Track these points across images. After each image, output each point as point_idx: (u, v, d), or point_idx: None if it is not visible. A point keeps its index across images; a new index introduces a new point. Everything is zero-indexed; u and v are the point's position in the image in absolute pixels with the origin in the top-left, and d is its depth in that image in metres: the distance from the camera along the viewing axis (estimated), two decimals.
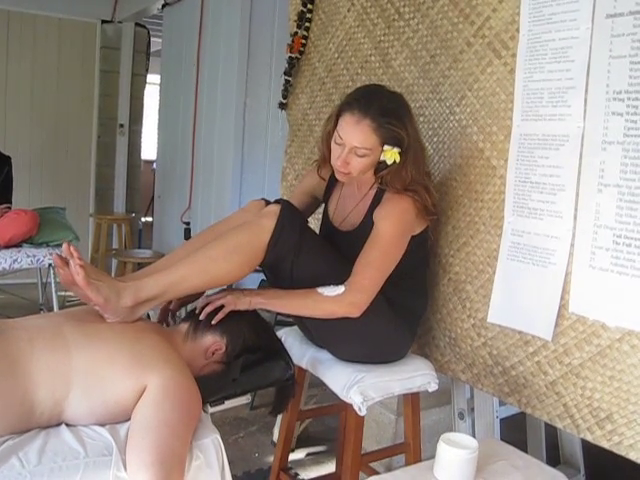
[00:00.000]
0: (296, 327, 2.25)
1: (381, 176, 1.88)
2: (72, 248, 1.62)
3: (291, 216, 1.81)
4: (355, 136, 1.79)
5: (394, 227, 1.83)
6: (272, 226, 1.75)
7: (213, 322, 1.70)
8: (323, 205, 2.14)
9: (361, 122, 1.77)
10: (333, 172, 2.02)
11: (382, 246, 1.81)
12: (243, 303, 1.75)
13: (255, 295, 1.79)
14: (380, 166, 1.86)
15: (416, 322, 2.01)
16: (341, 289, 1.75)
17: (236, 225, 1.83)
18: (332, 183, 2.09)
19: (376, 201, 1.90)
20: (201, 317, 1.72)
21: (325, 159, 2.00)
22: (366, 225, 1.88)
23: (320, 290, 1.76)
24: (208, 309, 1.72)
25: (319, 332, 1.93)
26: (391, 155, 1.81)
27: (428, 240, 1.98)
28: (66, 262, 1.62)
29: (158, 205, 5.91)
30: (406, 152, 1.82)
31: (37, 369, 1.40)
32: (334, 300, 1.75)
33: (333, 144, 1.86)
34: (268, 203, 1.90)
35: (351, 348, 1.91)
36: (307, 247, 1.80)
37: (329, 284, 1.77)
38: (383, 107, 1.79)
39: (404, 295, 1.91)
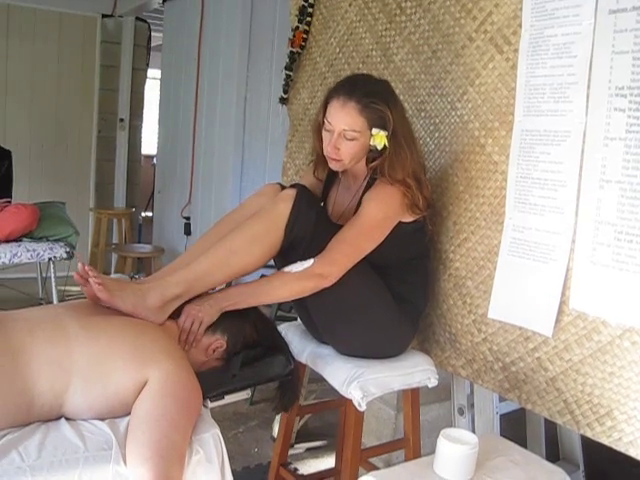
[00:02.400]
0: (296, 322, 2.25)
1: (374, 166, 1.88)
2: (87, 268, 1.64)
3: (307, 200, 1.82)
4: (342, 118, 1.81)
5: (377, 208, 1.83)
6: (288, 210, 1.76)
7: (193, 345, 1.70)
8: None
9: (347, 104, 1.80)
10: (329, 171, 2.05)
11: (361, 225, 1.81)
12: (215, 313, 1.73)
13: (222, 300, 1.75)
14: (371, 154, 1.87)
15: (418, 317, 2.01)
16: (310, 262, 1.74)
17: (253, 212, 1.83)
18: (330, 182, 2.10)
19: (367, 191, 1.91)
20: (187, 340, 1.71)
21: (319, 157, 2.01)
22: None
23: (287, 269, 1.75)
24: (189, 337, 1.70)
25: (324, 324, 1.92)
26: (380, 139, 1.82)
27: (426, 231, 1.96)
28: (86, 279, 1.63)
29: (158, 200, 5.91)
30: (394, 136, 1.82)
31: (37, 361, 1.39)
32: (302, 275, 1.74)
33: (324, 132, 1.88)
34: (283, 188, 1.90)
35: (355, 342, 1.91)
36: (321, 232, 1.79)
37: (353, 267, 1.77)
38: (367, 89, 1.83)
39: (408, 290, 1.91)
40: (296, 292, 1.78)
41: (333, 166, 1.92)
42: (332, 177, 2.10)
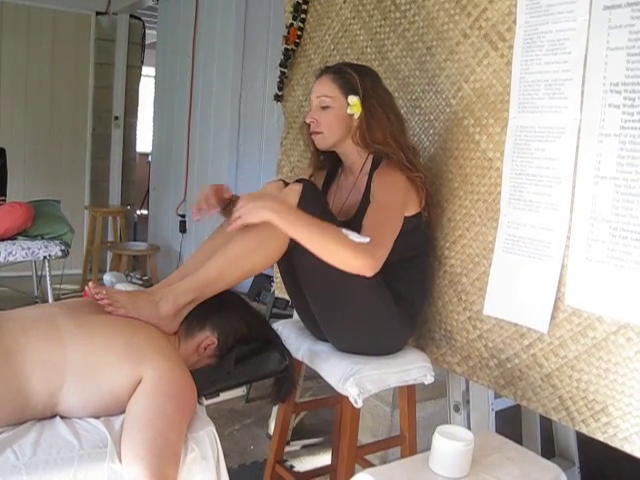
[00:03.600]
0: (292, 320, 2.25)
1: (356, 134, 1.92)
2: (94, 290, 1.65)
3: (313, 194, 1.82)
4: (316, 89, 1.96)
5: (392, 196, 1.85)
6: (295, 205, 1.74)
7: (229, 229, 1.72)
8: None
9: (322, 77, 1.97)
10: (327, 173, 2.11)
11: (386, 211, 1.81)
12: (261, 216, 1.66)
13: (283, 206, 1.70)
14: (355, 132, 1.92)
15: (416, 315, 2.01)
16: (367, 239, 1.68)
17: None
18: (329, 181, 2.12)
19: (369, 187, 1.91)
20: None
21: (313, 157, 2.10)
22: (364, 208, 1.89)
23: (345, 232, 1.68)
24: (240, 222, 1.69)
25: (324, 319, 1.91)
26: (355, 105, 1.89)
27: (424, 229, 1.97)
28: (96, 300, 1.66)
29: (153, 198, 5.91)
30: (367, 100, 1.89)
31: (31, 360, 1.39)
32: (357, 247, 1.65)
33: (307, 114, 1.98)
34: (286, 184, 1.90)
35: (353, 338, 1.90)
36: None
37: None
38: (343, 65, 2.01)
39: (406, 287, 1.91)
40: (339, 259, 1.67)
41: (317, 142, 1.98)
42: (330, 178, 2.12)
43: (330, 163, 2.11)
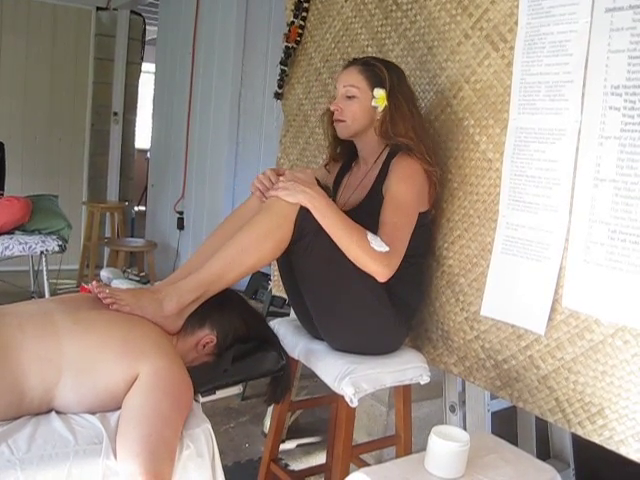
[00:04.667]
0: (288, 318, 2.25)
1: (380, 127, 1.95)
2: (97, 289, 1.64)
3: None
4: (343, 78, 1.98)
5: (410, 190, 1.87)
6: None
7: (267, 195, 1.75)
8: None
9: (350, 67, 1.99)
10: (342, 165, 2.15)
11: (404, 209, 1.85)
12: (299, 199, 1.71)
13: (321, 197, 1.74)
14: (379, 125, 1.95)
15: (412, 315, 2.01)
16: (386, 248, 1.74)
17: (260, 206, 1.82)
18: (342, 173, 2.16)
19: (384, 172, 1.94)
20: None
21: (331, 146, 2.14)
22: (372, 199, 1.92)
23: (370, 237, 1.74)
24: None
25: (320, 318, 1.91)
26: (381, 98, 1.92)
27: (428, 228, 1.99)
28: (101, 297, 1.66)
29: (151, 194, 5.91)
30: (393, 94, 1.92)
31: (27, 355, 1.39)
32: (376, 255, 1.72)
33: (332, 103, 2.01)
34: None
35: (349, 337, 1.90)
36: None
37: (352, 263, 1.75)
38: (372, 58, 2.03)
39: (403, 288, 1.91)
40: (358, 260, 1.74)
41: (339, 130, 2.01)
42: (344, 170, 2.15)
43: (346, 156, 2.16)
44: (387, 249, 1.74)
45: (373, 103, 1.93)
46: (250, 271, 1.78)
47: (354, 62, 2.01)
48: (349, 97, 1.96)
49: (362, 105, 1.95)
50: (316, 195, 1.73)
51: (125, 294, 1.66)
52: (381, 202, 1.87)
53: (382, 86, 1.92)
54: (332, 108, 1.99)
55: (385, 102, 1.92)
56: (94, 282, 1.68)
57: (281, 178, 1.78)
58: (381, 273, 1.75)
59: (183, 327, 1.70)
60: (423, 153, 1.90)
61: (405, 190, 1.87)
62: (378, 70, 1.94)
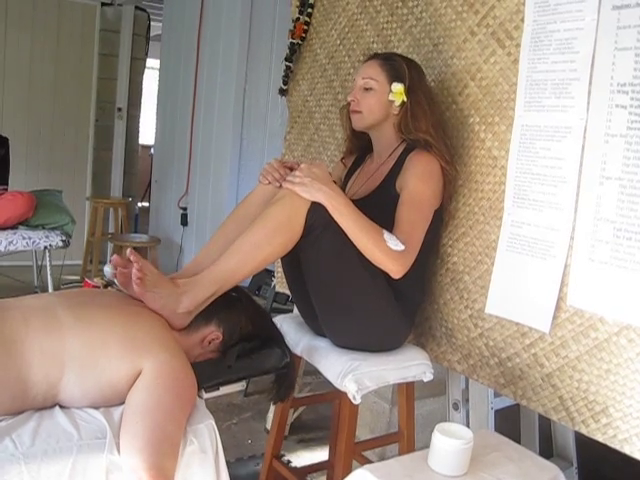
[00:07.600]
0: (292, 314, 2.25)
1: (399, 121, 1.96)
2: (133, 257, 1.63)
3: None
4: (363, 70, 2.00)
5: (428, 187, 1.88)
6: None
7: (284, 185, 1.75)
8: None
9: (370, 61, 2.02)
10: (356, 158, 2.18)
11: (421, 207, 1.87)
12: (317, 197, 1.72)
13: (339, 196, 1.75)
14: (399, 119, 1.96)
15: (415, 312, 2.01)
16: (402, 247, 1.75)
17: (268, 195, 1.84)
18: (355, 165, 2.18)
19: (398, 166, 1.94)
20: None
21: (349, 140, 2.16)
22: (382, 192, 1.93)
23: (386, 236, 1.75)
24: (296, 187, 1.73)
25: (324, 313, 1.90)
26: (399, 92, 1.93)
27: (437, 226, 1.98)
28: (126, 262, 1.67)
29: (155, 190, 5.90)
30: (413, 90, 1.93)
31: (31, 350, 1.39)
32: (391, 254, 1.74)
33: (350, 94, 2.03)
34: None
35: (353, 333, 1.90)
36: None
37: (358, 258, 1.76)
38: (393, 54, 2.06)
39: (407, 284, 1.90)
40: (374, 257, 1.75)
41: (354, 121, 2.02)
42: (357, 163, 2.18)
43: (361, 150, 2.17)
44: (403, 248, 1.75)
45: (390, 97, 1.94)
46: (262, 265, 1.76)
47: (376, 56, 2.02)
48: (367, 89, 1.97)
49: (378, 98, 1.96)
50: (334, 194, 1.74)
51: (153, 276, 1.65)
52: (391, 196, 1.88)
53: (401, 81, 1.93)
54: (349, 99, 2.01)
55: (402, 97, 1.93)
56: (130, 249, 1.66)
57: (297, 172, 1.77)
58: (396, 271, 1.77)
59: (189, 323, 1.70)
60: (442, 150, 1.91)
61: (423, 188, 1.87)
62: (398, 65, 1.95)
